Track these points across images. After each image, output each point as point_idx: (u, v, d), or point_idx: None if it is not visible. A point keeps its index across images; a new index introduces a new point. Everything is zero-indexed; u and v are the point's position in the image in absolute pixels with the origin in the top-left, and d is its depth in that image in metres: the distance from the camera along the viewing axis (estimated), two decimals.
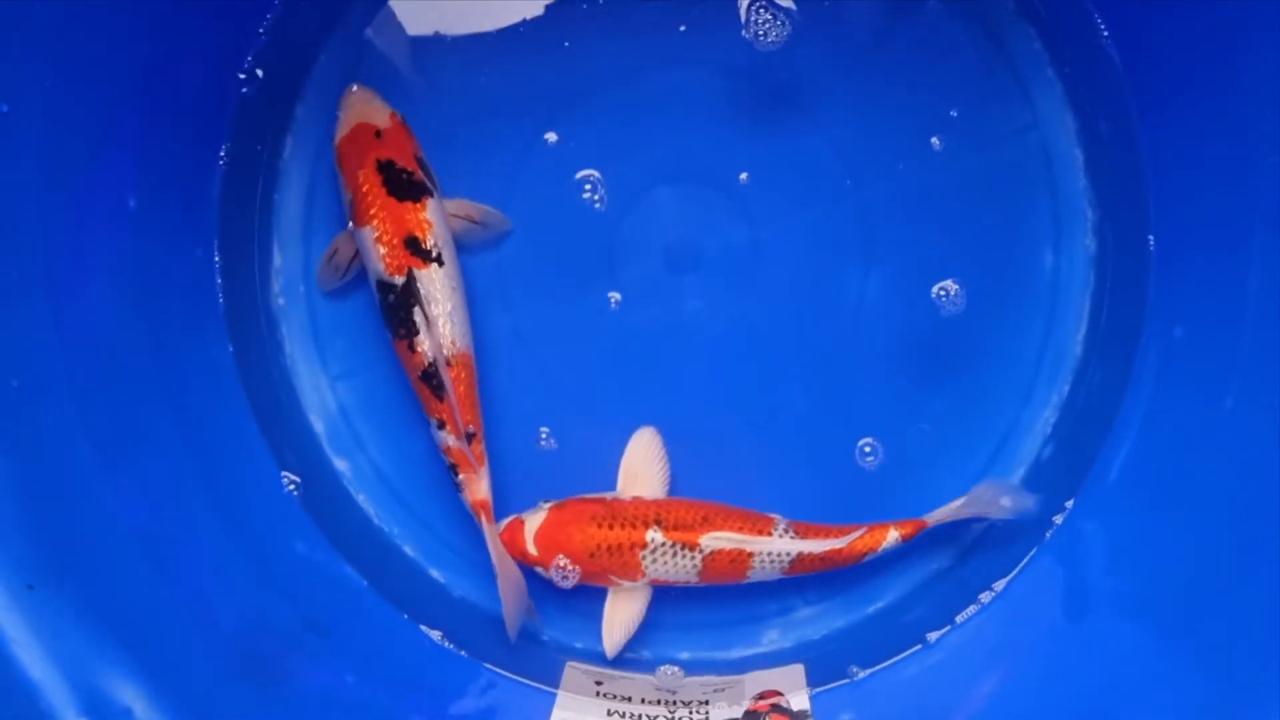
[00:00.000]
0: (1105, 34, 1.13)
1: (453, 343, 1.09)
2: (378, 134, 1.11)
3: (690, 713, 1.08)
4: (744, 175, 1.16)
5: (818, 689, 1.10)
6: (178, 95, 1.08)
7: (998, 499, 1.10)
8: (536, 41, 1.16)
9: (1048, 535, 1.13)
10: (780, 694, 1.09)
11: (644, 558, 1.08)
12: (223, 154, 1.15)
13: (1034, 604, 1.10)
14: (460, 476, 1.09)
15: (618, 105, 1.17)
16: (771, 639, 1.16)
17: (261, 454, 1.14)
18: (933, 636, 1.12)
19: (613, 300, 1.16)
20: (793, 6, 1.16)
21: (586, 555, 1.08)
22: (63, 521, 0.90)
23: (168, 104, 1.06)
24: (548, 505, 1.10)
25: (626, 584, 1.10)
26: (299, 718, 1.00)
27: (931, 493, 1.13)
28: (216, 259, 1.15)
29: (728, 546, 1.08)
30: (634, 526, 1.07)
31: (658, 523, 1.08)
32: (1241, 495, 0.97)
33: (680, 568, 1.08)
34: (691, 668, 1.14)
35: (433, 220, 1.10)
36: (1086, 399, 1.16)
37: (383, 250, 1.09)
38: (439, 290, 1.09)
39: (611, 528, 1.08)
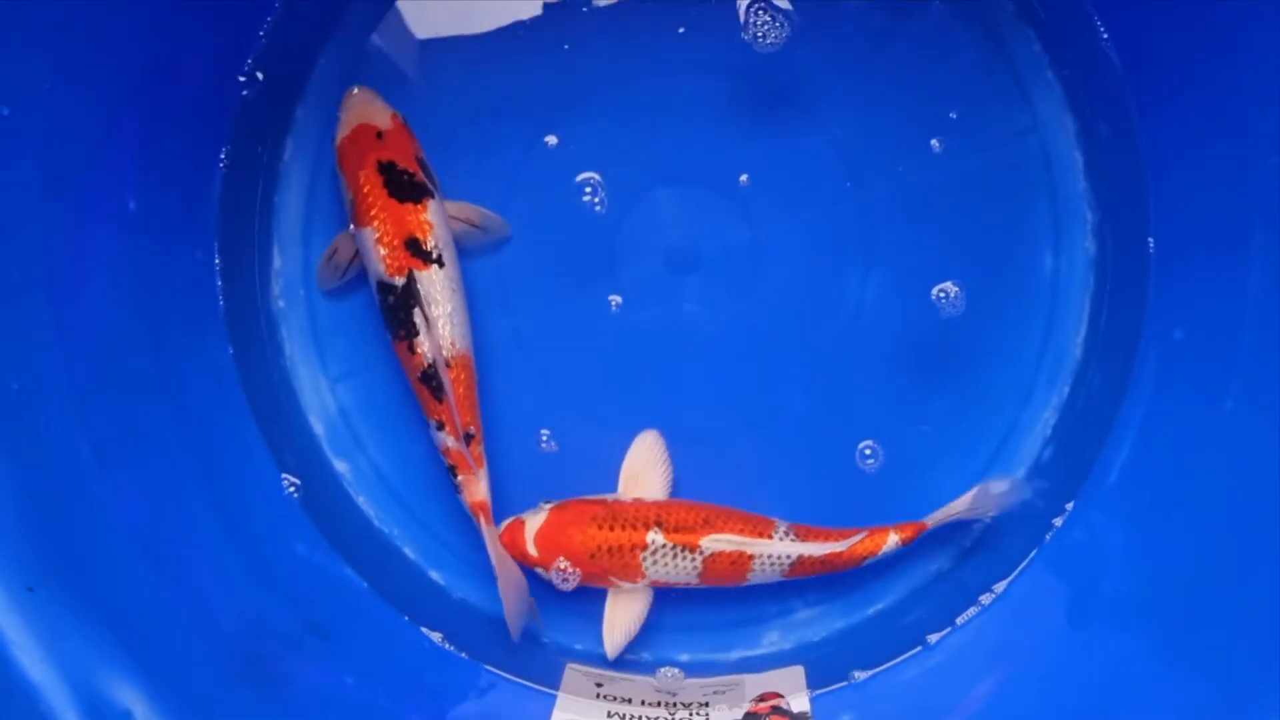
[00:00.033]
0: (1105, 36, 1.13)
1: (452, 344, 1.09)
2: (379, 135, 1.12)
3: (691, 714, 1.08)
4: (744, 177, 1.16)
5: (818, 691, 1.10)
6: (178, 97, 1.08)
7: (996, 495, 1.11)
8: (536, 43, 1.16)
9: (1048, 537, 1.13)
10: (780, 696, 1.09)
11: (644, 559, 1.08)
12: (223, 156, 1.15)
13: (1034, 606, 1.10)
14: (459, 478, 1.09)
15: (617, 107, 1.17)
16: (772, 641, 1.16)
17: (261, 456, 1.14)
18: (933, 638, 1.12)
19: (613, 303, 1.16)
20: (790, 8, 1.16)
21: (587, 556, 1.08)
22: (63, 524, 0.90)
23: (168, 106, 1.06)
24: (548, 506, 1.10)
25: (626, 585, 1.10)
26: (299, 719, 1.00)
27: (931, 494, 1.13)
28: (216, 261, 1.15)
29: (728, 549, 1.08)
30: (634, 528, 1.07)
31: (658, 524, 1.08)
32: (1241, 496, 0.97)
33: (681, 569, 1.08)
34: (691, 669, 1.14)
35: (433, 222, 1.10)
36: (1086, 401, 1.16)
37: (383, 251, 1.09)
38: (439, 292, 1.09)
39: (612, 529, 1.08)
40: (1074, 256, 1.17)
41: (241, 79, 1.15)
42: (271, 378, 1.17)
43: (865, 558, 1.10)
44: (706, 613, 1.15)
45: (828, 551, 1.09)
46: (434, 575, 1.17)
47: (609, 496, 1.11)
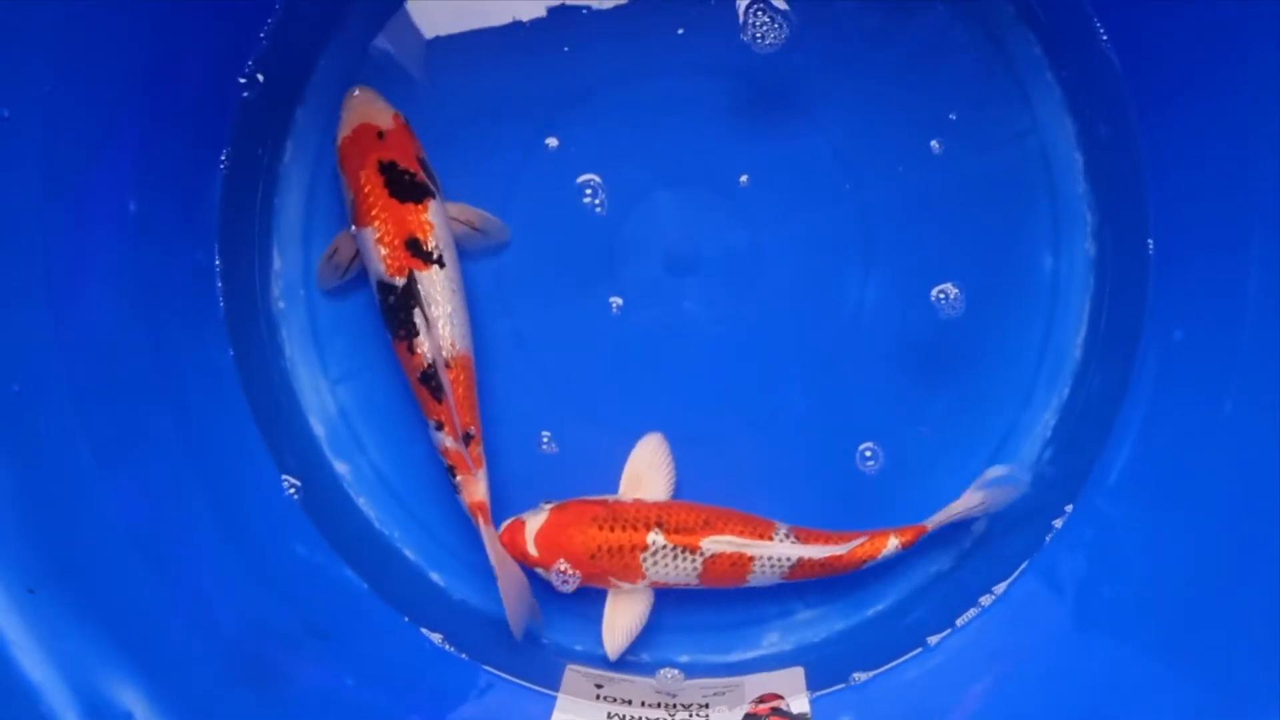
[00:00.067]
0: (1104, 38, 1.13)
1: (452, 345, 1.09)
2: (380, 135, 1.12)
3: (690, 716, 1.08)
4: (744, 178, 1.16)
5: (818, 692, 1.10)
6: (178, 99, 1.08)
7: (994, 491, 1.11)
8: (537, 45, 1.16)
9: (1048, 539, 1.13)
10: (780, 697, 1.09)
11: (645, 560, 1.08)
12: (223, 158, 1.15)
13: (1034, 607, 1.10)
14: (458, 478, 1.09)
15: (617, 109, 1.17)
16: (771, 642, 1.16)
17: (262, 457, 1.14)
18: (933, 639, 1.12)
19: (614, 304, 1.16)
20: (789, 9, 1.16)
21: (587, 557, 1.08)
22: (64, 525, 0.90)
23: (168, 108, 1.06)
24: (549, 506, 1.10)
25: (626, 586, 1.10)
26: None
27: (931, 496, 1.13)
28: (217, 262, 1.15)
29: (729, 550, 1.08)
30: (635, 528, 1.07)
31: (659, 525, 1.08)
32: (1241, 498, 0.97)
33: (681, 570, 1.08)
34: (691, 670, 1.14)
35: (434, 222, 1.10)
36: (1086, 402, 1.16)
37: (384, 251, 1.09)
38: (439, 292, 1.09)
39: (613, 529, 1.08)
40: (1074, 257, 1.17)
41: (242, 80, 1.15)
42: (271, 379, 1.17)
43: (865, 561, 1.10)
44: (706, 614, 1.15)
45: (828, 554, 1.09)
46: (434, 576, 1.17)
47: (609, 497, 1.11)
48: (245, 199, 1.16)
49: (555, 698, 1.10)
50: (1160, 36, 1.08)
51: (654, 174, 1.16)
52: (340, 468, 1.18)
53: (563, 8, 1.16)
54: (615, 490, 1.13)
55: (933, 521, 1.10)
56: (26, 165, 0.92)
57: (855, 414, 1.16)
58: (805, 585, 1.14)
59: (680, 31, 1.16)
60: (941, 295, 1.16)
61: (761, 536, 1.08)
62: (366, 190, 1.10)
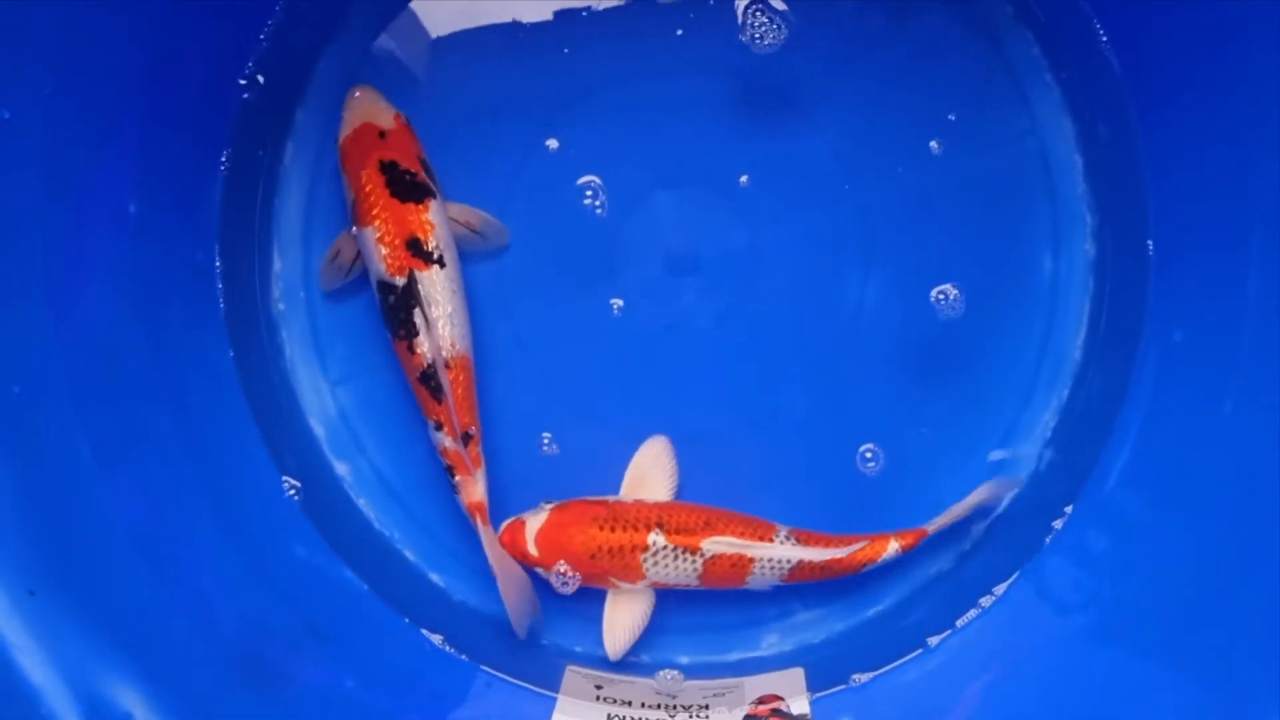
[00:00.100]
0: (1104, 39, 1.13)
1: (452, 345, 1.09)
2: (382, 134, 1.12)
3: (690, 717, 1.08)
4: (744, 178, 1.16)
5: (818, 693, 1.10)
6: (178, 100, 1.08)
7: (993, 484, 1.12)
8: (537, 46, 1.16)
9: (1048, 540, 1.13)
10: (780, 698, 1.09)
11: (645, 560, 1.08)
12: (223, 159, 1.15)
13: (1034, 608, 1.10)
14: (456, 479, 1.09)
15: (617, 110, 1.17)
16: (771, 643, 1.16)
17: (262, 458, 1.14)
18: (933, 641, 1.12)
19: (614, 306, 1.16)
20: (787, 9, 1.16)
21: (587, 557, 1.08)
22: (64, 527, 0.91)
23: (168, 109, 1.07)
24: (549, 506, 1.10)
25: (626, 586, 1.10)
26: None
27: (931, 496, 1.14)
28: (217, 264, 1.15)
29: (729, 551, 1.08)
30: (636, 529, 1.07)
31: (660, 526, 1.08)
32: (1241, 498, 0.97)
33: (681, 571, 1.08)
34: (691, 671, 1.13)
35: (435, 222, 1.10)
36: (1086, 403, 1.16)
37: (384, 251, 1.09)
38: (439, 292, 1.09)
39: (613, 530, 1.08)
40: (1073, 259, 1.17)
41: (242, 82, 1.15)
42: (272, 380, 1.17)
43: (865, 564, 1.10)
44: (706, 615, 1.15)
45: (828, 557, 1.09)
46: (434, 577, 1.17)
47: (610, 498, 1.11)
48: (245, 200, 1.16)
49: (555, 699, 1.10)
50: (1160, 37, 1.08)
51: (654, 175, 1.16)
52: (340, 469, 1.18)
53: (563, 9, 1.17)
54: (616, 491, 1.13)
55: (933, 525, 1.10)
56: (27, 166, 0.92)
57: (855, 415, 1.16)
58: (805, 586, 1.14)
59: (679, 32, 1.17)
60: (941, 296, 1.16)
61: (762, 538, 1.08)
62: (368, 190, 1.10)
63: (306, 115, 1.18)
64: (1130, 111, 1.13)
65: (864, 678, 1.11)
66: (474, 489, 1.09)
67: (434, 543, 1.17)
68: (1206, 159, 1.06)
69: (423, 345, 1.08)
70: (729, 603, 1.15)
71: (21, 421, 0.90)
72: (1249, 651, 0.90)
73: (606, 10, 1.17)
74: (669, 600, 1.13)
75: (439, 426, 1.09)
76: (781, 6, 1.16)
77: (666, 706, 1.09)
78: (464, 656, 1.12)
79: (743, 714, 1.08)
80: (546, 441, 1.16)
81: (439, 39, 1.17)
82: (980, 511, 1.14)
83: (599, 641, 1.12)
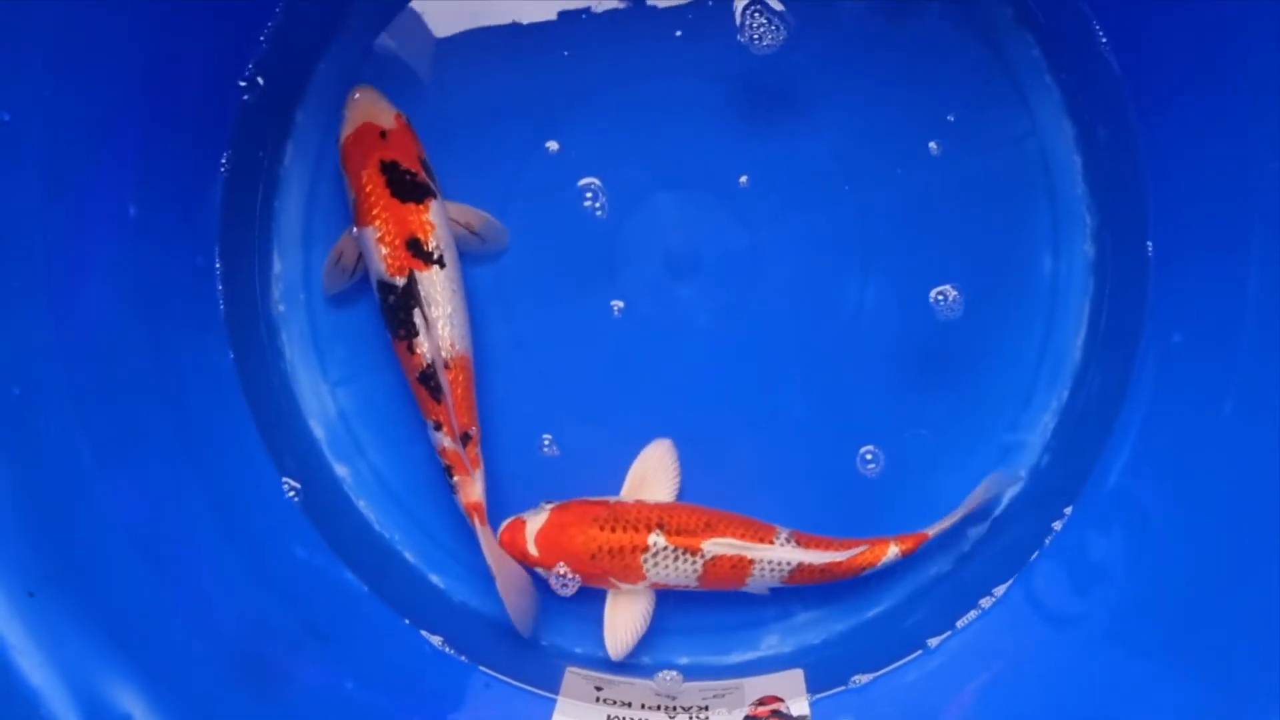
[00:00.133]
0: (1103, 40, 1.14)
1: (452, 345, 1.09)
2: (382, 134, 1.12)
3: (690, 718, 1.08)
4: (743, 179, 1.16)
5: (818, 695, 1.10)
6: (178, 102, 1.08)
7: (992, 480, 1.12)
8: (537, 48, 1.16)
9: (1047, 540, 1.13)
10: (780, 699, 1.09)
11: (645, 561, 1.08)
12: (223, 161, 1.15)
13: (1034, 609, 1.10)
14: (455, 479, 1.09)
15: (616, 112, 1.17)
16: (771, 644, 1.16)
17: (262, 460, 1.14)
18: (933, 642, 1.12)
19: (615, 307, 1.16)
20: (785, 10, 1.16)
21: (587, 557, 1.08)
22: (64, 528, 0.91)
23: (168, 111, 1.07)
24: (549, 506, 1.10)
25: (626, 587, 1.10)
26: None
27: (931, 497, 1.14)
28: (217, 266, 1.15)
29: (729, 553, 1.08)
30: (636, 529, 1.07)
31: (660, 527, 1.08)
32: (1241, 498, 0.97)
33: (681, 572, 1.08)
34: (691, 672, 1.13)
35: (435, 222, 1.10)
36: (1086, 404, 1.16)
37: (384, 251, 1.09)
38: (439, 292, 1.09)
39: (614, 530, 1.08)
40: (1073, 259, 1.17)
41: (242, 83, 1.15)
42: (272, 382, 1.17)
43: (865, 568, 1.10)
44: (706, 616, 1.15)
45: (828, 560, 1.09)
46: (434, 579, 1.17)
47: (611, 498, 1.11)
48: (245, 202, 1.17)
49: (555, 700, 1.10)
50: (1159, 38, 1.08)
51: (654, 176, 1.16)
52: (340, 470, 1.18)
53: (562, 10, 1.17)
54: (617, 492, 1.13)
55: (933, 529, 1.10)
56: (27, 168, 0.92)
57: (855, 415, 1.16)
58: (805, 587, 1.14)
59: (679, 34, 1.17)
60: (940, 297, 1.16)
61: (762, 540, 1.08)
62: (368, 190, 1.10)
63: (306, 116, 1.18)
64: (1130, 112, 1.13)
65: (864, 679, 1.11)
66: (472, 489, 1.09)
67: (434, 544, 1.17)
68: (1206, 160, 1.06)
69: (422, 345, 1.08)
70: (729, 604, 1.15)
71: (21, 422, 0.90)
72: (1249, 651, 0.90)
73: (606, 12, 1.17)
74: (669, 601, 1.13)
75: (438, 427, 1.09)
76: (780, 7, 1.16)
77: (666, 708, 1.09)
78: (463, 658, 1.12)
79: (742, 715, 1.08)
80: (547, 443, 1.16)
81: (439, 39, 1.17)
82: (980, 512, 1.14)
83: (599, 643, 1.12)
